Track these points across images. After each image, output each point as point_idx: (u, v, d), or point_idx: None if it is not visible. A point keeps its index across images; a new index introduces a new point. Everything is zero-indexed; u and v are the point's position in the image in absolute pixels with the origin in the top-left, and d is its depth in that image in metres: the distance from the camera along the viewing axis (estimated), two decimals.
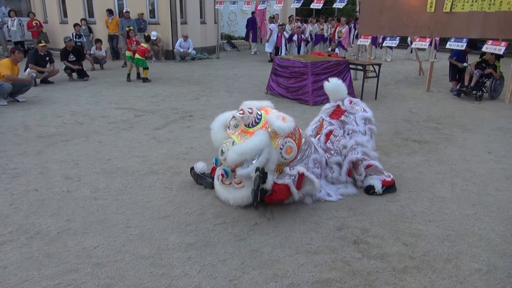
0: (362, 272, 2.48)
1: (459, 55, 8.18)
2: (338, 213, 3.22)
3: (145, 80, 9.35)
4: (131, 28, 9.94)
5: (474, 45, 8.10)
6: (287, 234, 2.91)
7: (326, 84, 3.84)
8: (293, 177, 3.15)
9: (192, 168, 3.75)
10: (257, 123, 3.13)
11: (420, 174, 4.03)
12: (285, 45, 13.58)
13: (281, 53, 13.08)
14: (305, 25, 15.23)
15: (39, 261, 2.55)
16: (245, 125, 3.16)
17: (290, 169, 3.19)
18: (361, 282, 2.39)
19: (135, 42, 9.46)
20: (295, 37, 14.02)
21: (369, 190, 3.53)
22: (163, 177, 3.90)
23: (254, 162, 2.95)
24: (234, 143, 3.08)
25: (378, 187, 3.50)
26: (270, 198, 3.10)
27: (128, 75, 9.47)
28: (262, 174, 2.88)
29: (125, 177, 3.89)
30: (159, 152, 4.60)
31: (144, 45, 9.25)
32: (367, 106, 3.83)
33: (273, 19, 14.54)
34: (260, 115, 3.17)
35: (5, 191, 3.55)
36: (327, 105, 3.95)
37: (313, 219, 3.12)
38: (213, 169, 3.61)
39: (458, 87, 8.02)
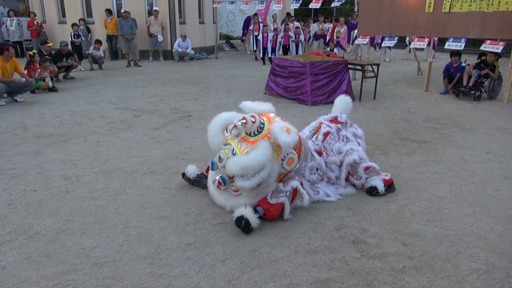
0: (360, 272, 2.48)
1: (448, 69, 8.26)
2: (337, 213, 3.22)
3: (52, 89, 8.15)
4: (36, 51, 8.26)
5: (457, 52, 8.14)
6: (286, 234, 2.91)
7: (340, 97, 4.28)
8: (288, 193, 3.08)
9: (183, 174, 3.69)
10: (259, 132, 3.01)
11: (419, 174, 4.04)
12: (275, 47, 13.49)
13: (268, 55, 13.00)
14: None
15: (38, 262, 2.55)
16: (246, 133, 3.05)
17: (284, 186, 3.12)
18: (359, 282, 2.39)
19: (39, 70, 8.00)
20: (294, 38, 14.00)
21: (372, 191, 3.51)
22: (161, 177, 3.89)
23: (256, 176, 2.85)
24: (234, 151, 2.98)
25: (381, 187, 3.49)
26: (265, 218, 3.02)
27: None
28: (244, 228, 2.86)
29: (124, 177, 3.88)
30: (157, 152, 4.59)
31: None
32: (359, 127, 4.18)
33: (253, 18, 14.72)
34: (263, 124, 3.05)
35: (3, 191, 3.54)
36: (325, 116, 4.23)
37: (312, 219, 3.12)
38: (208, 169, 3.49)
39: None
